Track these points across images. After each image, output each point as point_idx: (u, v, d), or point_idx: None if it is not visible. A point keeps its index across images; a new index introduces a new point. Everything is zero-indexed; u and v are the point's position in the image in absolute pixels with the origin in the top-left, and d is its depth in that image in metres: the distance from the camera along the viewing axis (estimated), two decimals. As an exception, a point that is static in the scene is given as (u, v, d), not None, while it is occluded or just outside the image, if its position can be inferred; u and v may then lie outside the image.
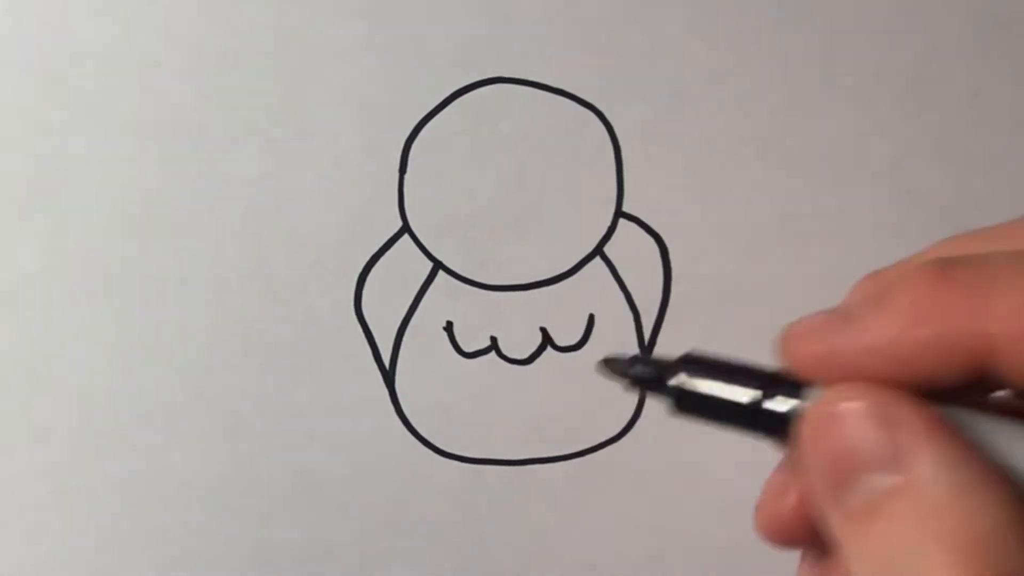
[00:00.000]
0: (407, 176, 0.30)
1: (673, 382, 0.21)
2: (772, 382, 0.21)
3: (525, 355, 0.31)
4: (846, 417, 0.19)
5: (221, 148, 0.30)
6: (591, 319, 0.31)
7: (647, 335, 0.31)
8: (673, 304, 0.31)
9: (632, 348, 0.31)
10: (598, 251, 0.31)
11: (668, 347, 0.31)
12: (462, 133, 0.30)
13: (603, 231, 0.30)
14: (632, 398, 0.31)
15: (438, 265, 0.31)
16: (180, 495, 0.31)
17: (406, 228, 0.30)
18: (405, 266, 0.30)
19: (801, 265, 0.31)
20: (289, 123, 0.30)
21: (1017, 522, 0.18)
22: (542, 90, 0.30)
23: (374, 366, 0.31)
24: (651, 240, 0.30)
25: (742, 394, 0.21)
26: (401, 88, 0.30)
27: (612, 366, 0.22)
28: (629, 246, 0.30)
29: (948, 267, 0.19)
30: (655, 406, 0.31)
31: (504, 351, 0.31)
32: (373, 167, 0.30)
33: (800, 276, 0.31)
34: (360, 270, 0.30)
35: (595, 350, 0.31)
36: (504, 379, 0.31)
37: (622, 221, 0.30)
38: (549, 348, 0.31)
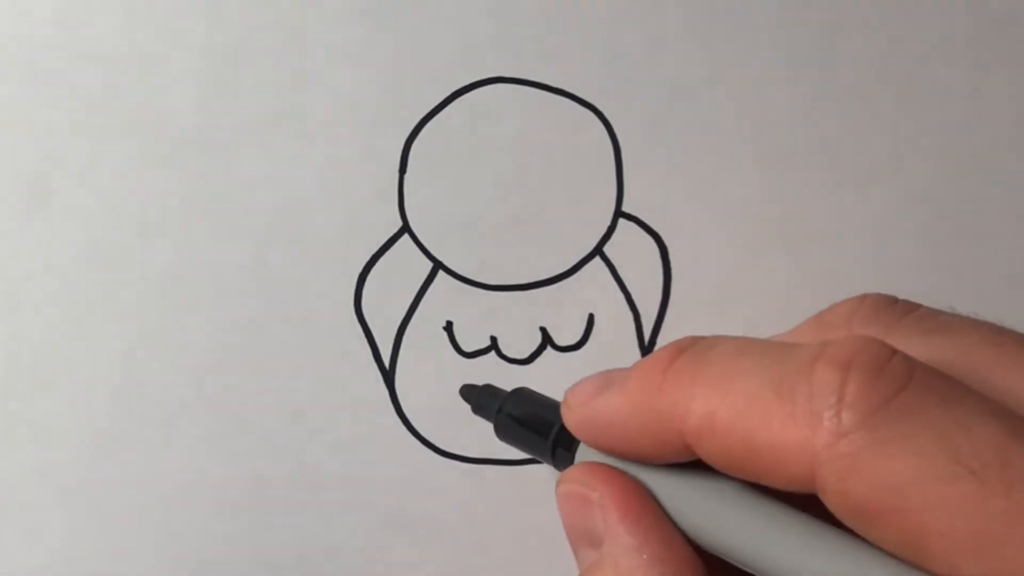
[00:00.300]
0: (407, 176, 0.30)
1: (497, 413, 0.26)
2: (554, 430, 0.24)
3: (525, 355, 0.31)
4: (566, 497, 0.23)
5: (221, 148, 0.30)
6: (591, 319, 0.31)
7: (647, 335, 0.31)
8: (673, 304, 0.31)
9: (632, 348, 0.31)
10: (598, 251, 0.31)
11: (668, 347, 0.31)
12: (462, 133, 0.30)
13: (603, 231, 0.31)
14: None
15: (438, 265, 0.31)
16: (180, 495, 0.31)
17: (406, 228, 0.30)
18: (405, 266, 0.30)
19: (801, 265, 0.31)
20: (289, 123, 0.30)
21: None
22: (542, 90, 0.30)
23: (374, 366, 0.31)
24: (651, 240, 0.30)
25: (536, 437, 0.25)
26: (401, 88, 0.30)
27: (464, 392, 0.28)
28: (629, 246, 0.30)
29: (676, 353, 0.21)
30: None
31: (504, 351, 0.31)
32: (373, 167, 0.30)
33: (800, 276, 0.31)
34: (360, 270, 0.30)
35: (595, 350, 0.31)
36: (504, 379, 0.31)
37: (622, 221, 0.30)
38: (549, 348, 0.31)
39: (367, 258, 0.30)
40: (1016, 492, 0.17)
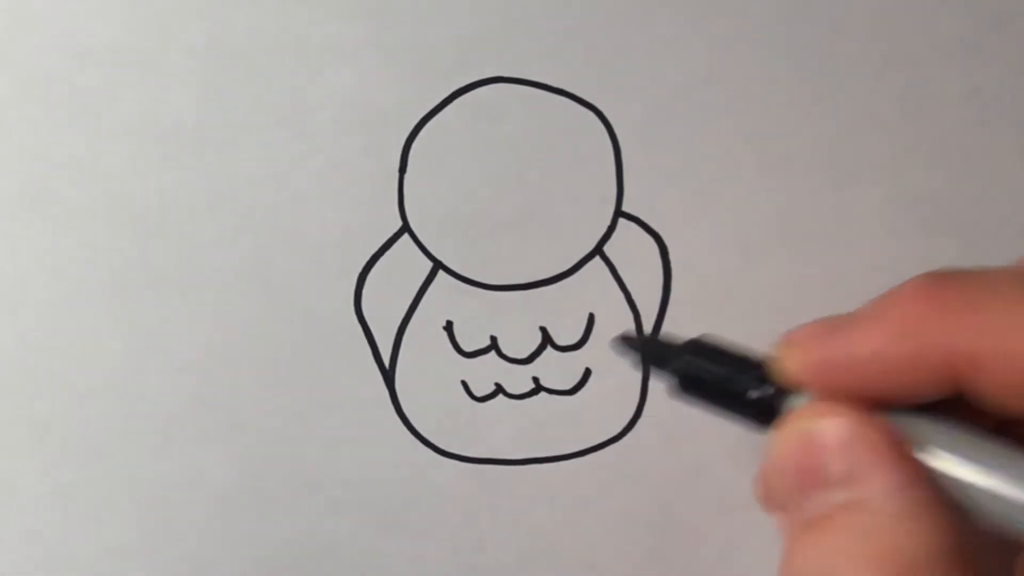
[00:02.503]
0: (407, 176, 0.30)
1: (677, 365, 0.23)
2: (764, 380, 0.22)
3: (525, 355, 0.31)
4: (812, 435, 0.20)
5: (221, 148, 0.30)
6: (591, 319, 0.31)
7: (647, 335, 0.31)
8: (673, 304, 0.31)
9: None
10: (598, 251, 0.31)
11: (668, 347, 0.31)
12: (462, 133, 0.30)
13: (603, 231, 0.31)
14: (633, 398, 0.31)
15: (438, 265, 0.31)
16: (180, 495, 0.31)
17: (406, 228, 0.30)
18: (405, 266, 0.30)
19: (800, 265, 0.31)
20: (289, 123, 0.30)
21: (948, 550, 0.19)
22: (542, 90, 0.30)
23: (374, 366, 0.31)
24: (651, 240, 0.30)
25: (736, 386, 0.22)
26: (401, 88, 0.30)
27: (627, 342, 0.24)
28: (629, 246, 0.30)
29: (936, 282, 0.20)
30: (655, 406, 0.31)
31: (504, 351, 0.31)
32: (373, 167, 0.30)
33: (800, 276, 0.31)
34: (360, 270, 0.30)
35: (595, 350, 0.31)
36: (504, 379, 0.31)
37: (622, 221, 0.30)
38: (549, 348, 0.31)
39: (367, 258, 0.30)
40: None
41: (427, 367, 0.31)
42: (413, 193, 0.30)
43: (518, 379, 0.31)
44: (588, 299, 0.31)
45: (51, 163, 0.30)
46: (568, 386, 0.31)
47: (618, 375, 0.31)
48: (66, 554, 0.31)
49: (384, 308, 0.31)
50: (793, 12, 0.30)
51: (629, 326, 0.31)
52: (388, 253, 0.30)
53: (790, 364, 0.22)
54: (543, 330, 0.31)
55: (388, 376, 0.31)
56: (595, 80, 0.30)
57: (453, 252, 0.30)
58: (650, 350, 0.24)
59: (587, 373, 0.31)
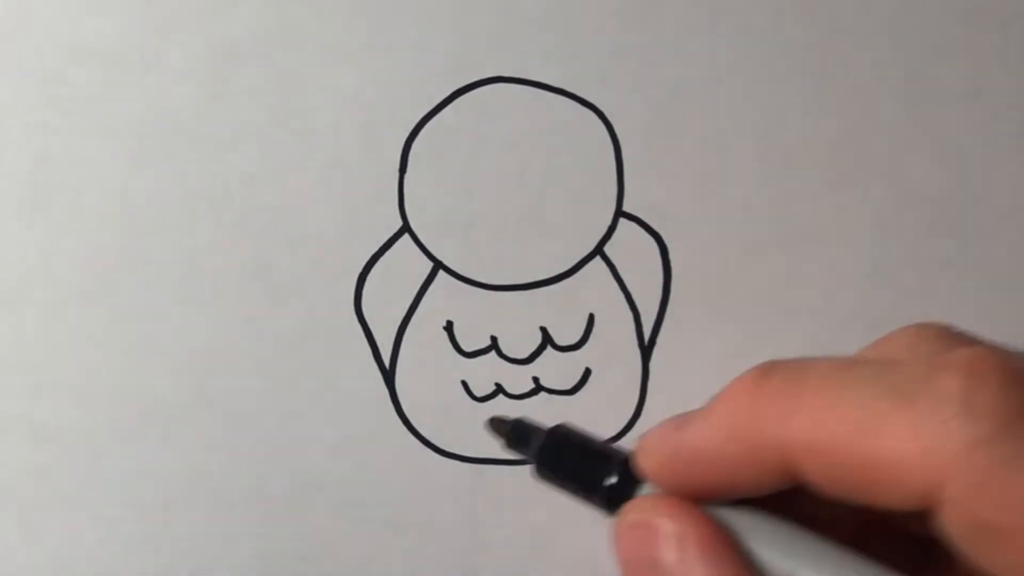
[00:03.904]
0: (407, 176, 0.30)
1: (538, 448, 0.24)
2: (619, 470, 0.23)
3: (525, 355, 0.31)
4: (647, 526, 0.22)
5: (221, 148, 0.30)
6: (591, 319, 0.31)
7: (647, 335, 0.31)
8: (673, 304, 0.31)
9: (632, 347, 0.31)
10: (598, 251, 0.31)
11: (668, 346, 0.31)
12: (462, 133, 0.30)
13: (603, 231, 0.31)
14: (633, 398, 0.31)
15: (438, 265, 0.31)
16: (180, 495, 0.31)
17: (406, 228, 0.30)
18: (405, 266, 0.30)
19: (801, 265, 0.31)
20: (289, 123, 0.30)
21: None
22: (542, 90, 0.30)
23: (374, 366, 0.31)
24: (651, 240, 0.31)
25: (590, 474, 0.24)
26: (401, 88, 0.30)
27: (494, 425, 0.25)
28: (629, 246, 0.30)
29: (763, 375, 0.21)
30: (655, 406, 0.31)
31: (504, 351, 0.31)
32: (373, 167, 0.30)
33: (800, 276, 0.31)
34: (360, 270, 0.30)
35: (595, 350, 0.31)
36: (505, 378, 0.31)
37: (622, 221, 0.30)
38: (549, 348, 0.31)
39: (367, 258, 0.30)
40: None
41: (427, 367, 0.31)
42: (413, 193, 0.30)
43: (518, 379, 0.31)
44: (588, 299, 0.31)
45: (51, 163, 0.30)
46: (568, 386, 0.31)
47: (618, 375, 0.31)
48: (66, 554, 0.31)
49: (384, 308, 0.31)
50: (793, 12, 0.30)
51: (629, 326, 0.31)
52: (388, 253, 0.30)
53: (641, 459, 0.23)
54: (543, 330, 0.31)
55: (388, 376, 0.31)
56: (595, 80, 0.30)
57: (453, 252, 0.30)
58: (515, 433, 0.25)
59: (587, 373, 0.31)
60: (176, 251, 0.30)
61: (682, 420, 0.22)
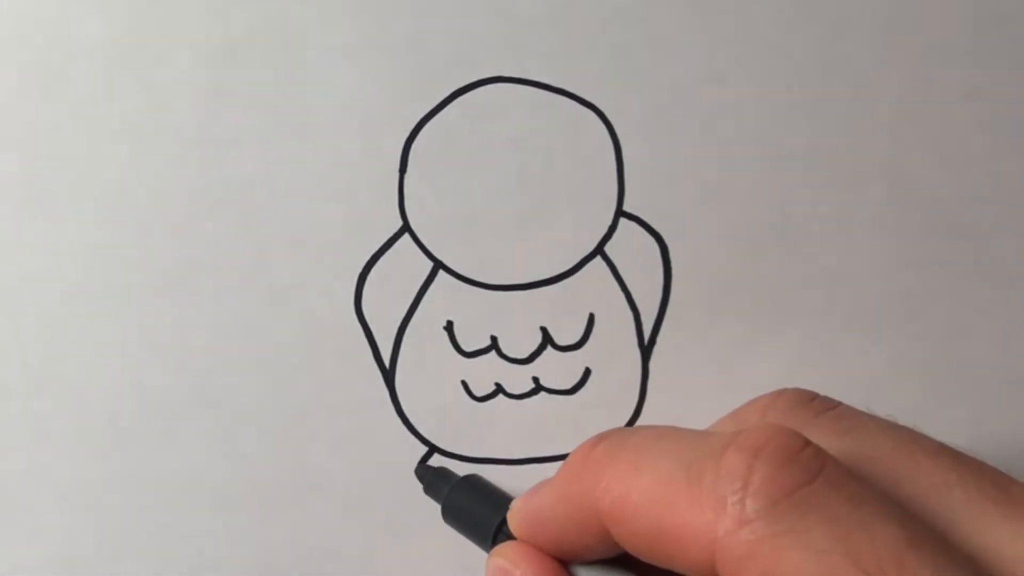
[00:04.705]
0: (407, 176, 0.30)
1: (447, 496, 0.29)
2: (498, 523, 0.27)
3: (525, 355, 0.31)
4: (494, 571, 0.25)
5: (221, 148, 0.30)
6: (591, 318, 0.31)
7: (647, 335, 0.31)
8: (673, 304, 0.31)
9: (632, 348, 0.31)
10: (598, 251, 0.31)
11: (668, 346, 0.31)
12: (462, 133, 0.30)
13: (603, 231, 0.31)
14: (632, 398, 0.31)
15: (438, 265, 0.31)
16: (180, 495, 0.31)
17: (406, 228, 0.30)
18: (405, 266, 0.30)
19: (801, 265, 0.31)
20: (289, 123, 0.30)
21: None
22: (542, 90, 0.30)
23: (374, 366, 0.31)
24: (651, 240, 0.31)
25: (484, 520, 0.27)
26: (401, 88, 0.30)
27: (418, 471, 0.30)
28: (629, 246, 0.30)
29: (594, 444, 0.23)
30: (655, 406, 0.31)
31: (504, 351, 0.31)
32: (373, 167, 0.30)
33: (800, 276, 0.31)
34: (360, 270, 0.30)
35: (595, 349, 0.31)
36: (505, 378, 0.31)
37: (622, 221, 0.30)
38: (549, 348, 0.31)
39: (367, 258, 0.30)
40: None
41: (427, 367, 0.31)
42: (413, 193, 0.30)
43: (518, 379, 0.31)
44: (588, 299, 0.31)
45: (51, 163, 0.30)
46: (568, 386, 0.31)
47: (618, 375, 0.31)
48: (66, 554, 0.31)
49: (384, 308, 0.31)
50: (793, 12, 0.30)
51: (629, 326, 0.31)
52: (388, 253, 0.30)
53: (509, 517, 0.25)
54: (543, 330, 0.31)
55: (388, 376, 0.31)
56: (595, 80, 0.30)
57: (453, 252, 0.30)
58: (431, 480, 0.30)
59: (587, 373, 0.31)
60: (176, 251, 0.30)
61: (542, 483, 0.24)
